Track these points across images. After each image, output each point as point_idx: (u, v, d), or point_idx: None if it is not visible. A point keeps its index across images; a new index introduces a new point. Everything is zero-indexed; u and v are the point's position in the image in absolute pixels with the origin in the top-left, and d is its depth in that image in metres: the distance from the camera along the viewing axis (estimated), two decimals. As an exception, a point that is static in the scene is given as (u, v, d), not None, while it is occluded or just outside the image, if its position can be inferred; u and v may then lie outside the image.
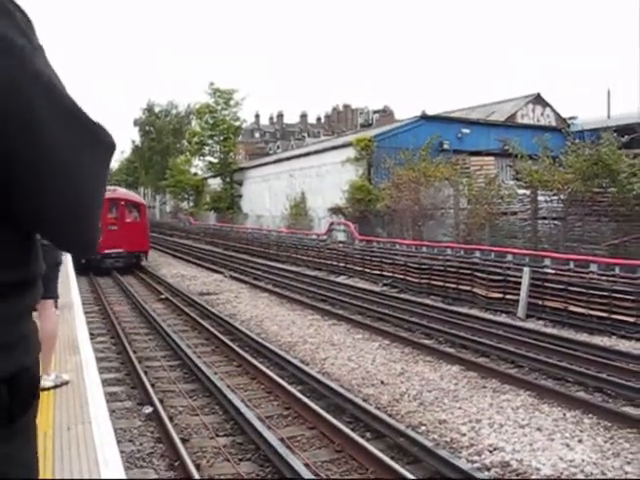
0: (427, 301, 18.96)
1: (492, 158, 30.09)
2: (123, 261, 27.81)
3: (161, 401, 9.81)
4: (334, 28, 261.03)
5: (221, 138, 48.96)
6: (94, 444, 4.46)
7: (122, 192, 31.18)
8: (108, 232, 25.42)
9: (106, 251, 26.58)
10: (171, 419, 9.05)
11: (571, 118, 40.45)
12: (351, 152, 31.92)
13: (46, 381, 5.91)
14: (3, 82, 1.05)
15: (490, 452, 7.69)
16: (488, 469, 7.23)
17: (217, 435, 8.59)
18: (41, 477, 3.95)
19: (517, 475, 7.03)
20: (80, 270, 21.31)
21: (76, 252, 1.45)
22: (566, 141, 20.39)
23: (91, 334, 9.73)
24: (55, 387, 5.93)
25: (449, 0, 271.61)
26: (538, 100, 39.92)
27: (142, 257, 29.50)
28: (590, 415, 8.98)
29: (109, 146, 1.23)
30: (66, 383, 6.07)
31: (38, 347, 1.28)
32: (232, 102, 47.84)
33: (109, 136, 1.22)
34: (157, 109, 61.92)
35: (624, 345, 13.12)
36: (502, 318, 16.31)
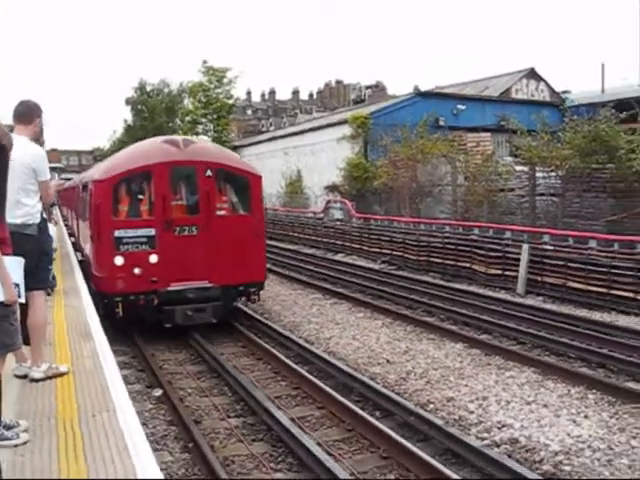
0: (426, 278, 19.08)
1: (488, 134, 30.09)
2: (212, 310, 12.57)
3: (169, 383, 9.93)
4: (325, 3, 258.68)
5: (214, 116, 48.76)
6: (121, 431, 4.55)
7: (206, 147, 14.60)
8: (173, 240, 12.52)
9: (171, 286, 12.43)
10: (181, 401, 9.17)
11: (565, 92, 40.46)
12: (347, 129, 31.86)
13: (35, 372, 5.80)
14: None
15: (499, 429, 7.85)
16: (498, 446, 7.37)
17: (228, 417, 8.71)
18: (74, 467, 4.01)
19: (527, 451, 7.17)
20: (116, 323, 12.15)
21: None
22: (563, 117, 20.47)
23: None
24: (49, 378, 5.80)
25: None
26: (532, 75, 39.80)
27: (252, 294, 13.61)
28: (594, 391, 9.15)
29: None
30: (62, 375, 5.92)
31: None
32: (225, 80, 47.64)
33: None
34: (149, 88, 61.40)
35: (624, 320, 13.29)
36: (502, 295, 16.45)
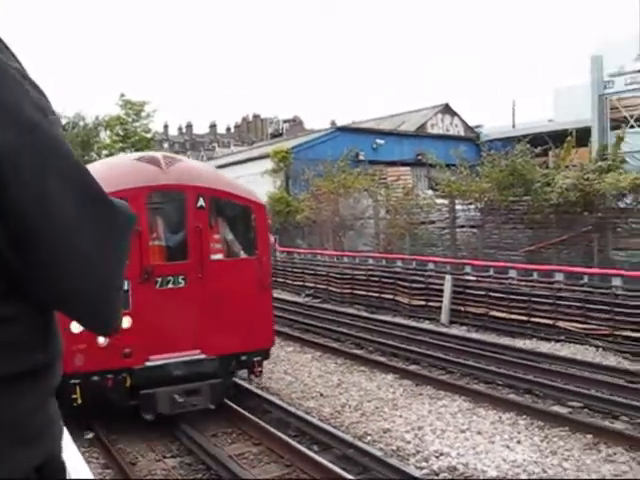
0: (351, 310, 19.27)
1: (408, 168, 30.86)
2: (209, 391, 9.29)
3: (100, 424, 9.67)
4: (242, 38, 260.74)
5: (133, 150, 48.15)
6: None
7: (196, 168, 11.13)
8: (152, 296, 9.31)
9: (151, 361, 9.21)
10: (114, 443, 8.95)
11: (477, 126, 41.92)
12: (268, 164, 32.05)
13: None
14: (11, 158, 0.99)
15: (437, 458, 8.00)
16: (437, 474, 7.51)
17: (164, 457, 8.55)
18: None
19: (465, 479, 7.33)
20: (77, 415, 8.75)
21: (92, 330, 1.29)
22: (480, 151, 21.30)
23: None
24: None
25: (355, 13, 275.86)
26: (447, 110, 41.10)
27: (256, 365, 10.27)
28: (524, 416, 9.45)
29: (124, 220, 1.18)
30: None
31: (62, 427, 1.20)
32: (143, 114, 47.24)
33: (123, 209, 1.18)
34: (64, 121, 60.28)
35: (545, 347, 13.78)
36: (426, 325, 16.78)
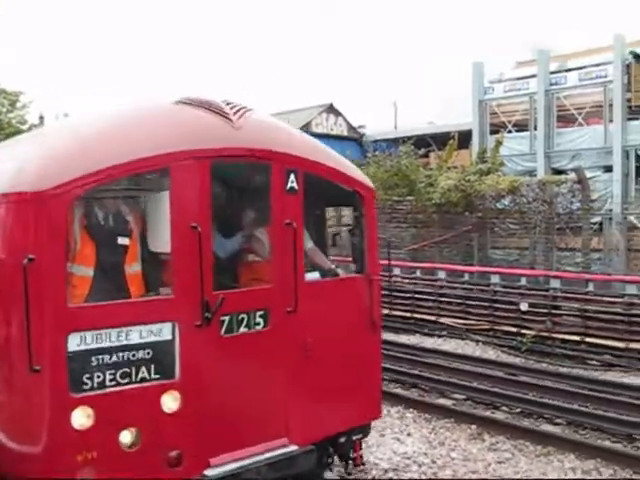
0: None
1: (293, 166, 31.03)
2: None
3: None
4: (124, 24, 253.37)
5: (5, 143, 45.81)
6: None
7: (281, 128, 6.10)
8: (216, 352, 5.16)
9: (212, 467, 5.09)
10: None
11: (360, 127, 42.73)
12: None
13: None
14: None
15: (330, 452, 8.09)
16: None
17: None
18: None
19: (360, 471, 7.48)
20: None
21: None
22: (365, 151, 21.73)
23: None
24: None
25: (242, 8, 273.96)
26: (331, 109, 41.55)
27: (357, 448, 6.45)
28: (411, 410, 9.79)
29: None
30: None
31: None
32: (19, 104, 44.89)
33: None
34: None
35: (428, 342, 14.27)
36: (313, 322, 16.93)
